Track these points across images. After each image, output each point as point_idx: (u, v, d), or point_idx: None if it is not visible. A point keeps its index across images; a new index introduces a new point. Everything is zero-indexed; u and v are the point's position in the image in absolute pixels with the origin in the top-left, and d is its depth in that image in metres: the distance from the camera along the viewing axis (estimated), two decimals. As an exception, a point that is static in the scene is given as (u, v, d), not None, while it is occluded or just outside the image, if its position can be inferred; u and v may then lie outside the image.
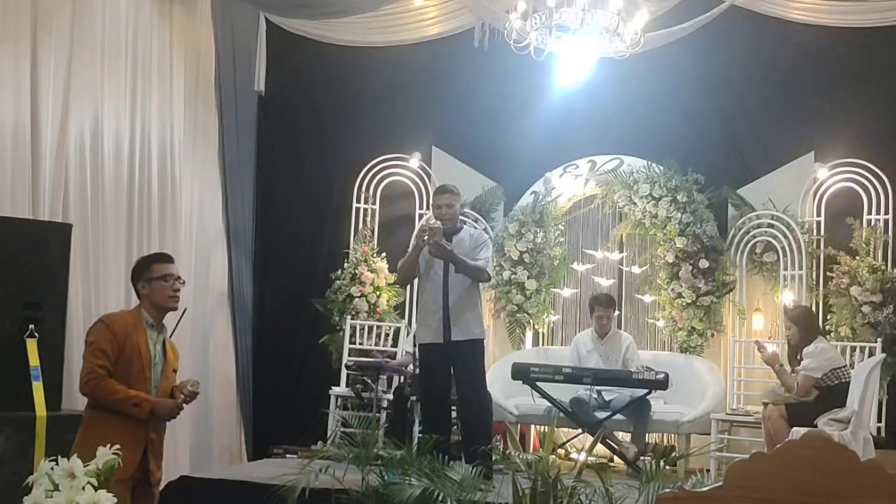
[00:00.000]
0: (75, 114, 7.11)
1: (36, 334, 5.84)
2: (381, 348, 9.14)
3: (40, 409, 5.70)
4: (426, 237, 6.51)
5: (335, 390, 8.76)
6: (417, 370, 7.53)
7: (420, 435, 7.61)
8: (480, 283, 6.92)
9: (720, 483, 1.88)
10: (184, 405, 4.97)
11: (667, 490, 1.91)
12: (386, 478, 5.48)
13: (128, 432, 4.57)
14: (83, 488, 3.23)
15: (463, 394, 6.81)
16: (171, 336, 5.15)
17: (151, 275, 4.96)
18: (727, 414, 8.16)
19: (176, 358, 5.13)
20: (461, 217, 7.56)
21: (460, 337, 6.65)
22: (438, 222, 6.65)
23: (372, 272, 9.30)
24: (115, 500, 3.25)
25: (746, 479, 1.87)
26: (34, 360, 5.77)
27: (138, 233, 7.79)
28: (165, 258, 5.12)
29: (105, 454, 3.42)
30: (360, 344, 9.16)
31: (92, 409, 4.81)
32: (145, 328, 4.88)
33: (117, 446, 3.48)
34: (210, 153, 9.10)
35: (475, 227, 8.40)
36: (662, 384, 7.59)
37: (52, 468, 3.27)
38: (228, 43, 9.21)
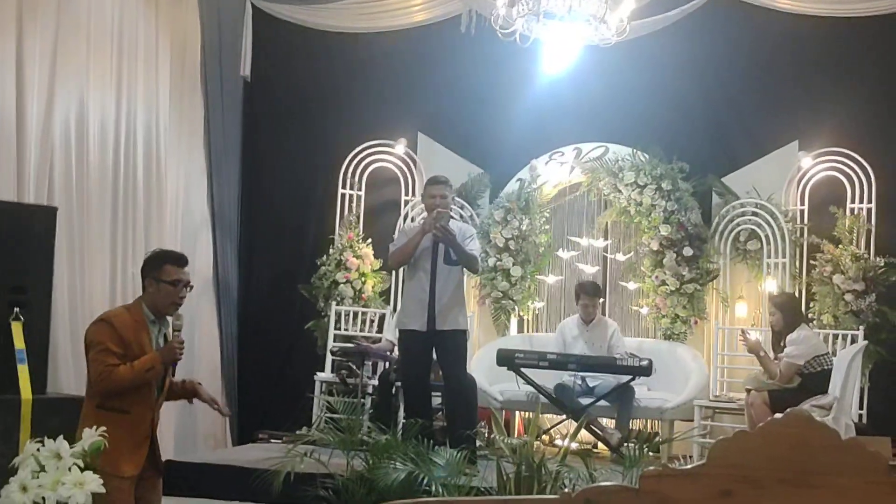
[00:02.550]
0: (61, 98, 7.09)
1: (21, 317, 5.84)
2: (366, 334, 9.15)
3: (25, 391, 5.70)
4: (434, 221, 6.62)
5: (320, 376, 8.78)
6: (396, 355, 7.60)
7: (404, 420, 7.66)
8: (465, 275, 6.99)
9: (703, 461, 1.90)
10: (187, 383, 4.96)
11: (650, 468, 1.94)
12: (371, 462, 5.51)
13: (133, 430, 4.57)
14: (69, 469, 3.24)
15: (447, 380, 6.87)
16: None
17: (161, 276, 4.80)
18: (710, 400, 8.22)
19: None
20: None
21: (445, 327, 6.72)
22: (447, 209, 6.78)
23: (357, 258, 9.30)
24: (102, 482, 3.26)
25: (729, 456, 1.90)
26: (19, 343, 5.77)
27: (123, 217, 7.78)
28: (180, 261, 4.92)
29: (91, 435, 3.44)
30: (346, 330, 9.17)
31: (98, 408, 4.64)
32: (147, 325, 4.79)
33: (103, 428, 3.50)
34: (196, 138, 9.08)
35: (460, 220, 8.45)
36: (646, 371, 7.63)
37: (38, 449, 3.28)
38: (214, 28, 9.18)
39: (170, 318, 4.94)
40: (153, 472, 4.87)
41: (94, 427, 3.44)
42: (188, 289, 4.92)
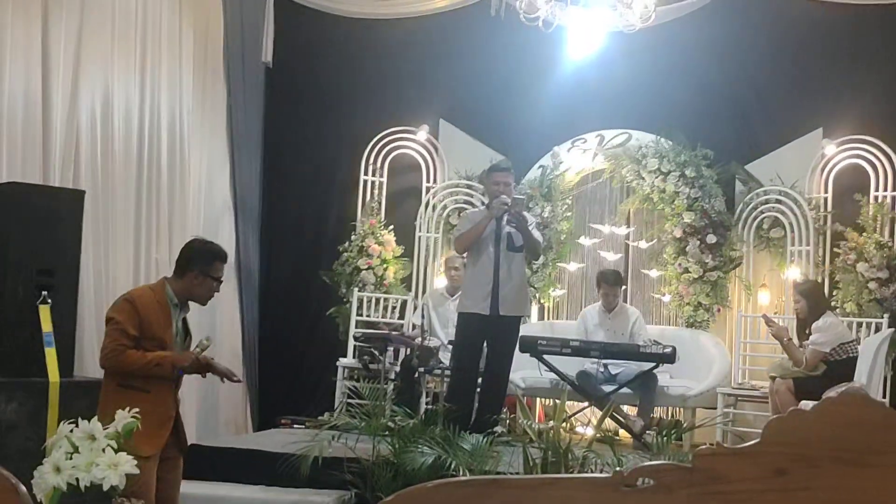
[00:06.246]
0: (86, 83, 7.12)
1: (49, 300, 5.84)
2: (387, 320, 9.16)
3: (53, 374, 5.71)
4: (510, 207, 6.75)
5: (342, 361, 8.80)
6: (426, 340, 7.63)
7: (427, 406, 7.67)
8: None
9: (757, 440, 1.89)
10: (201, 358, 4.95)
11: (703, 447, 1.92)
12: (398, 447, 5.52)
13: (154, 409, 4.57)
14: (103, 450, 3.25)
15: (493, 368, 6.94)
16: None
17: (211, 271, 4.87)
18: (733, 388, 8.20)
19: None
20: None
21: (508, 312, 6.78)
22: (510, 196, 6.89)
23: (379, 245, 9.30)
24: (136, 464, 3.27)
25: (784, 435, 1.88)
26: (47, 326, 5.78)
27: (147, 202, 7.81)
28: (226, 258, 5.02)
29: (124, 417, 3.44)
30: (367, 316, 9.18)
31: (119, 386, 4.67)
32: (169, 307, 4.81)
33: (136, 410, 3.50)
34: (218, 124, 9.10)
35: None
36: (670, 358, 7.61)
37: (71, 431, 3.29)
38: (237, 14, 9.19)
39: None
40: (175, 451, 4.89)
41: (123, 407, 3.46)
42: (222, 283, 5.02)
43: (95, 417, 3.32)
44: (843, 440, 1.83)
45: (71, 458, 3.24)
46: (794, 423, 1.85)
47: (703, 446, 1.94)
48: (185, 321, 4.94)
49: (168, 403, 4.79)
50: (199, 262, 4.86)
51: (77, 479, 3.19)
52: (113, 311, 4.75)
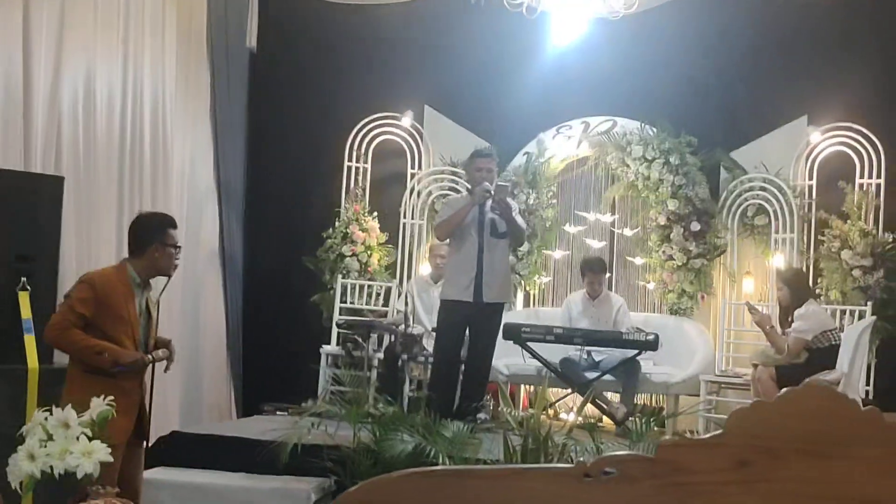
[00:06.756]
0: (68, 68, 7.05)
1: (28, 287, 5.79)
2: (371, 307, 9.14)
3: (32, 361, 5.67)
4: (493, 193, 6.74)
5: (326, 348, 8.79)
6: (409, 328, 7.61)
7: (411, 393, 7.67)
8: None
9: (721, 431, 1.89)
10: (152, 362, 4.94)
11: (667, 438, 1.92)
12: (378, 434, 5.52)
13: (120, 396, 4.55)
14: (77, 438, 3.23)
15: (475, 355, 6.94)
16: (160, 294, 5.13)
17: (167, 240, 4.93)
18: (716, 375, 8.22)
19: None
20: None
21: (492, 298, 6.77)
22: (493, 182, 6.88)
23: (363, 231, 9.28)
24: (110, 451, 3.26)
25: (747, 427, 1.88)
26: (26, 312, 5.74)
27: (130, 187, 7.75)
28: (175, 224, 5.07)
29: (99, 405, 3.43)
30: (351, 303, 9.16)
31: (84, 372, 4.72)
32: (133, 287, 4.83)
33: (111, 398, 3.49)
34: (201, 110, 9.03)
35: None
36: (652, 345, 7.62)
37: (45, 418, 3.27)
38: (220, -1, 9.13)
39: (155, 286, 5.01)
40: (136, 440, 4.88)
41: (89, 393, 3.44)
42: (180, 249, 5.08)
43: (69, 406, 3.32)
44: (806, 432, 1.84)
45: (45, 446, 3.23)
46: (757, 415, 1.86)
47: (667, 438, 1.95)
48: (147, 302, 4.94)
49: (135, 390, 4.79)
50: (155, 234, 4.93)
51: (51, 467, 3.19)
52: (71, 290, 4.84)
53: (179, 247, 5.03)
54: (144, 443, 5.10)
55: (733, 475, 1.84)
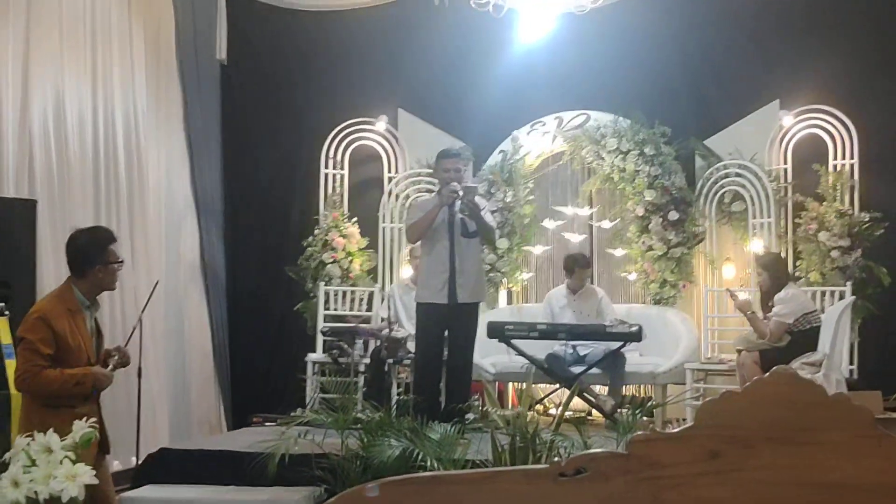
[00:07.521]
0: (36, 89, 7.02)
1: (6, 312, 5.78)
2: (355, 313, 9.14)
3: (14, 387, 5.65)
4: (461, 194, 6.69)
5: (311, 357, 8.78)
6: (393, 331, 7.61)
7: (398, 397, 7.67)
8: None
9: (691, 424, 1.90)
10: (114, 372, 4.89)
11: (639, 433, 1.94)
12: (366, 440, 5.51)
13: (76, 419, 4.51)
14: (60, 462, 3.23)
15: (455, 356, 6.91)
16: (143, 311, 5.10)
17: (109, 258, 4.77)
18: (701, 363, 8.26)
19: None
20: None
21: (466, 299, 6.77)
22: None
23: (343, 237, 9.28)
24: (95, 473, 3.25)
25: (716, 417, 1.90)
26: (6, 338, 5.71)
27: (106, 207, 7.72)
28: (114, 237, 4.90)
29: (82, 427, 3.42)
30: (335, 310, 9.16)
31: (43, 406, 4.57)
32: (83, 310, 4.72)
33: (94, 419, 3.48)
34: (175, 124, 9.01)
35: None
36: (636, 336, 7.65)
37: (28, 444, 3.27)
38: (188, 12, 9.08)
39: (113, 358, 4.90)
40: (100, 454, 4.80)
41: (47, 428, 3.37)
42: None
43: (52, 430, 3.30)
44: (775, 420, 1.85)
45: (29, 472, 3.22)
46: (726, 406, 1.87)
47: (639, 433, 1.96)
48: (96, 321, 4.88)
49: (92, 413, 4.72)
50: (97, 256, 4.76)
51: (36, 493, 3.18)
52: (24, 330, 4.61)
53: (122, 261, 4.90)
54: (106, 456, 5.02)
55: (705, 467, 1.86)
